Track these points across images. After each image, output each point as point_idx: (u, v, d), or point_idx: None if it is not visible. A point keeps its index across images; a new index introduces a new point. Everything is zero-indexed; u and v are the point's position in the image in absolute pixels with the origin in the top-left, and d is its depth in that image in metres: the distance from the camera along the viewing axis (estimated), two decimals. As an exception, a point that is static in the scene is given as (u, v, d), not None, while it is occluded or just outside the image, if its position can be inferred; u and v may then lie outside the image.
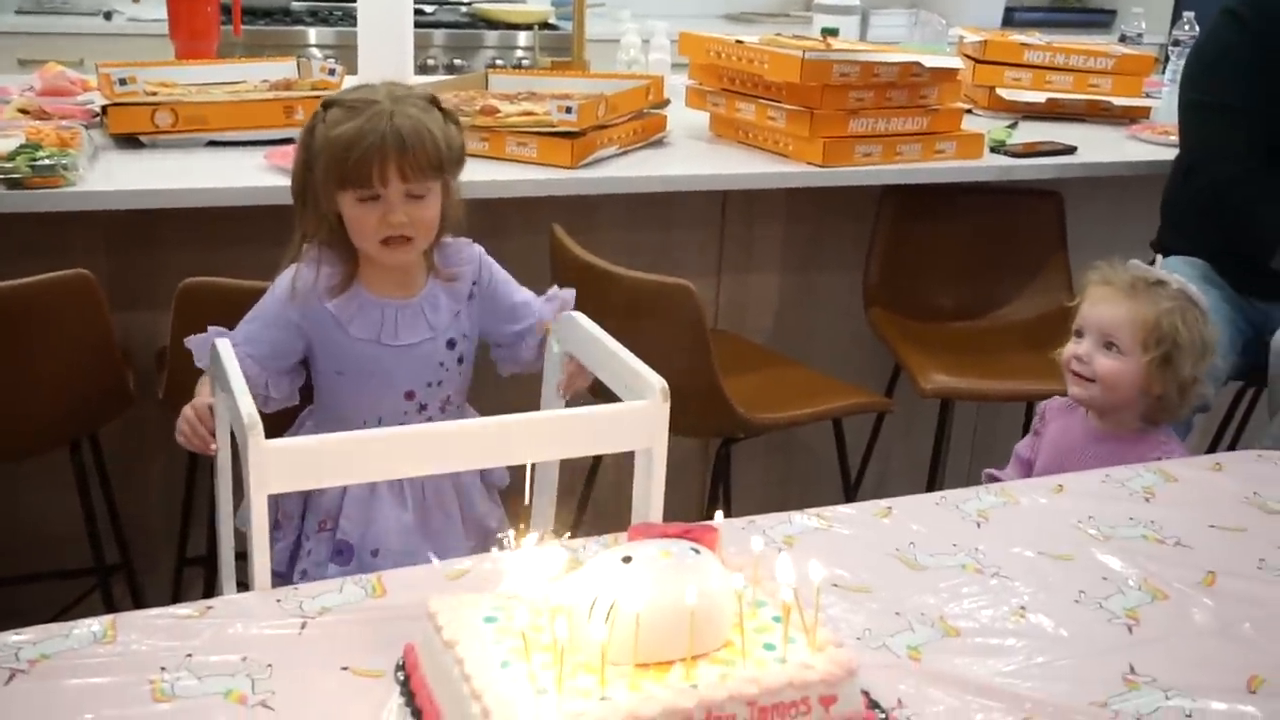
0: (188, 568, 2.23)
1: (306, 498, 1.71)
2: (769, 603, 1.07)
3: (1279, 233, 2.31)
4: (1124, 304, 1.83)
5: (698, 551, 1.04)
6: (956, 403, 2.50)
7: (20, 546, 2.28)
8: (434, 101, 1.64)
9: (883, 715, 1.03)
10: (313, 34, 3.98)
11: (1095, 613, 1.24)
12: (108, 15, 4.21)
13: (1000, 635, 1.19)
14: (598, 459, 2.27)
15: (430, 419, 1.71)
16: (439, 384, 1.72)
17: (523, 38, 4.21)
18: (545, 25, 4.28)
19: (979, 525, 1.42)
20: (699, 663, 0.99)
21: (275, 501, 1.34)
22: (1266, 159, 2.35)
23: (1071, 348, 1.89)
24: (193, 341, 1.63)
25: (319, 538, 1.71)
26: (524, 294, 1.78)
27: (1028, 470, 1.96)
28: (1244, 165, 2.35)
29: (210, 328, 1.63)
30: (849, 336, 2.73)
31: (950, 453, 2.58)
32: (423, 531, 1.69)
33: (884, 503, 1.46)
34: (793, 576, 1.00)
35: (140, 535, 2.30)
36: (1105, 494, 1.52)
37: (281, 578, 1.66)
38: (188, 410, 1.57)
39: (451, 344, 1.72)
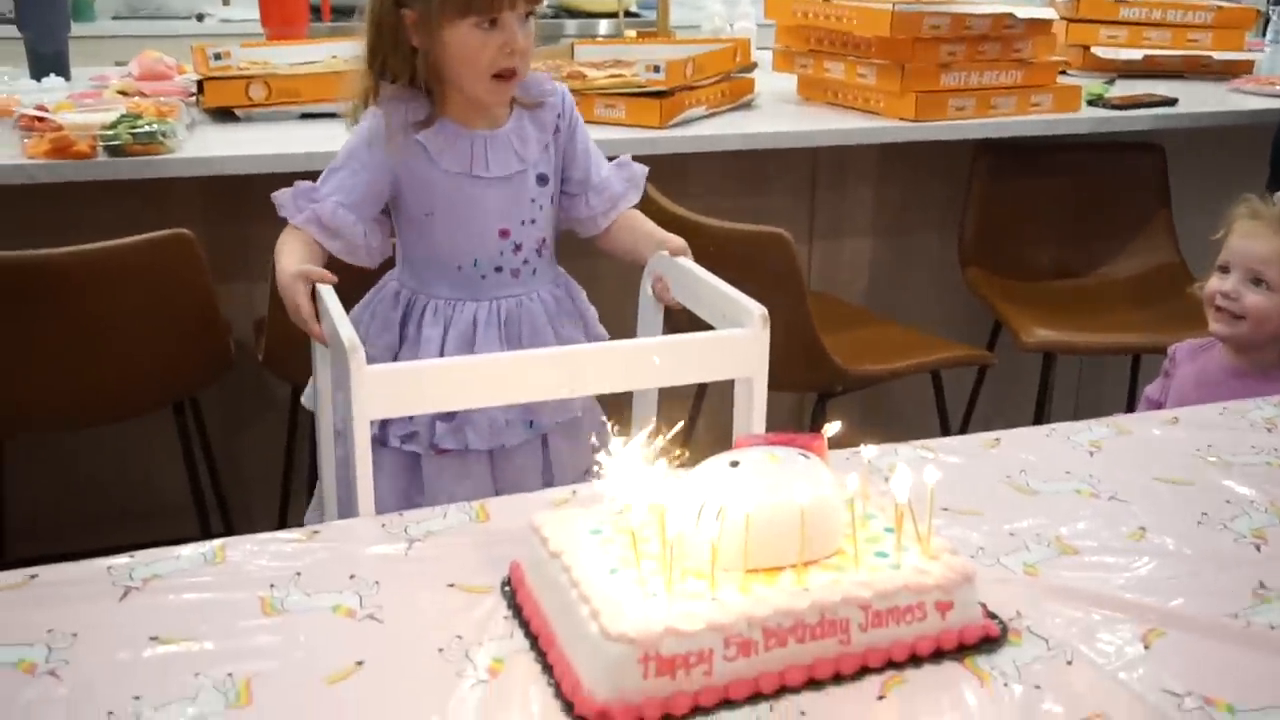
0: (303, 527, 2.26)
1: (400, 350, 1.64)
2: (880, 514, 1.05)
3: None
4: (1274, 239, 1.80)
5: (807, 458, 1.02)
6: (1059, 361, 2.44)
7: (126, 515, 2.33)
8: None
9: (1001, 625, 1.00)
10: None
11: (1220, 533, 1.19)
12: (200, 17, 4.31)
13: (1121, 554, 1.15)
14: (700, 394, 2.25)
15: (526, 260, 1.64)
16: (533, 222, 1.64)
17: (604, 26, 4.22)
18: (628, 14, 4.29)
19: (1091, 454, 1.37)
20: (810, 569, 0.97)
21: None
22: None
23: (1216, 283, 1.85)
24: (281, 197, 1.59)
25: None
26: (596, 150, 1.73)
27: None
28: None
29: (297, 183, 1.60)
30: (945, 297, 2.68)
31: (1053, 414, 2.52)
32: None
33: (992, 434, 1.42)
34: (909, 483, 0.97)
35: (241, 507, 2.33)
36: (1224, 425, 1.46)
37: (376, 444, 1.60)
38: (286, 275, 1.48)
39: (542, 180, 1.65)
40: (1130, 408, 2.00)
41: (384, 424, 1.62)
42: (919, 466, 1.00)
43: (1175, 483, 1.30)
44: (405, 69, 1.58)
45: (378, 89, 1.61)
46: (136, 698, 0.90)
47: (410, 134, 1.58)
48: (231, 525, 2.26)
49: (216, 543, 1.14)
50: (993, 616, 1.01)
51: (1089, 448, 1.39)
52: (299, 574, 1.09)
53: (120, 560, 1.10)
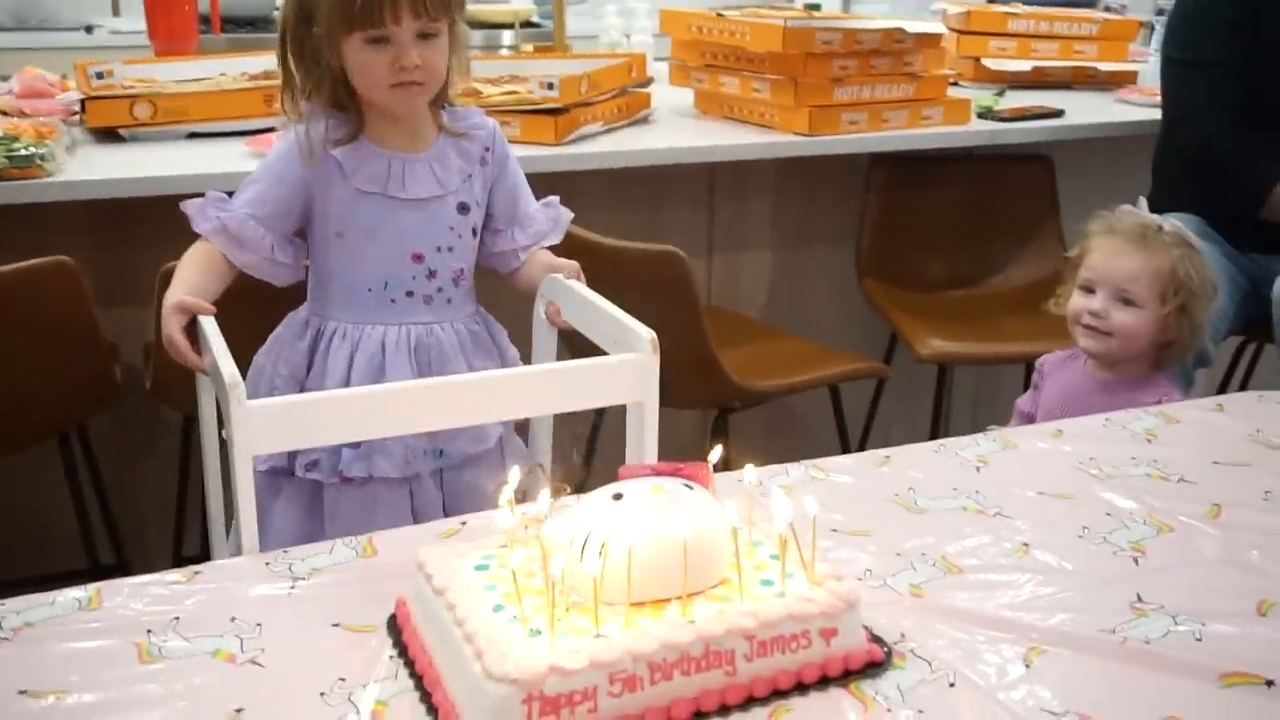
0: (183, 567, 2.21)
1: (305, 379, 1.62)
2: (765, 541, 1.05)
3: (1261, 184, 2.31)
4: (1136, 255, 1.81)
5: (690, 488, 1.02)
6: (956, 370, 2.48)
7: (14, 549, 2.26)
8: None
9: (886, 649, 1.01)
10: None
11: (1100, 547, 1.22)
12: (89, 29, 4.20)
13: (1004, 571, 1.17)
14: (599, 419, 2.25)
15: (440, 289, 1.62)
16: (450, 250, 1.62)
17: (507, 36, 4.20)
18: (528, 24, 4.27)
19: (978, 469, 1.40)
20: (695, 600, 0.97)
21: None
22: (1246, 114, 2.35)
23: (1082, 302, 1.86)
24: (190, 206, 1.56)
25: None
26: (526, 187, 1.72)
27: (1030, 424, 1.93)
28: (1224, 121, 2.35)
29: (209, 192, 1.57)
30: (843, 309, 2.71)
31: (951, 421, 2.57)
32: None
33: (882, 452, 1.44)
34: (789, 511, 0.98)
35: (133, 535, 2.28)
36: (1106, 436, 1.50)
37: (283, 472, 1.59)
38: (166, 305, 1.46)
39: (464, 209, 1.63)
40: (1012, 416, 2.03)
41: (290, 452, 1.59)
42: (807, 489, 1.01)
43: (1058, 497, 1.33)
44: (322, 86, 1.57)
45: (298, 106, 1.59)
46: (2, 757, 0.88)
47: (327, 150, 1.57)
48: (124, 556, 2.20)
49: (92, 587, 1.10)
50: (878, 640, 1.02)
51: (976, 463, 1.42)
52: (178, 618, 1.06)
53: (-10, 608, 1.06)
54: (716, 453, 1.09)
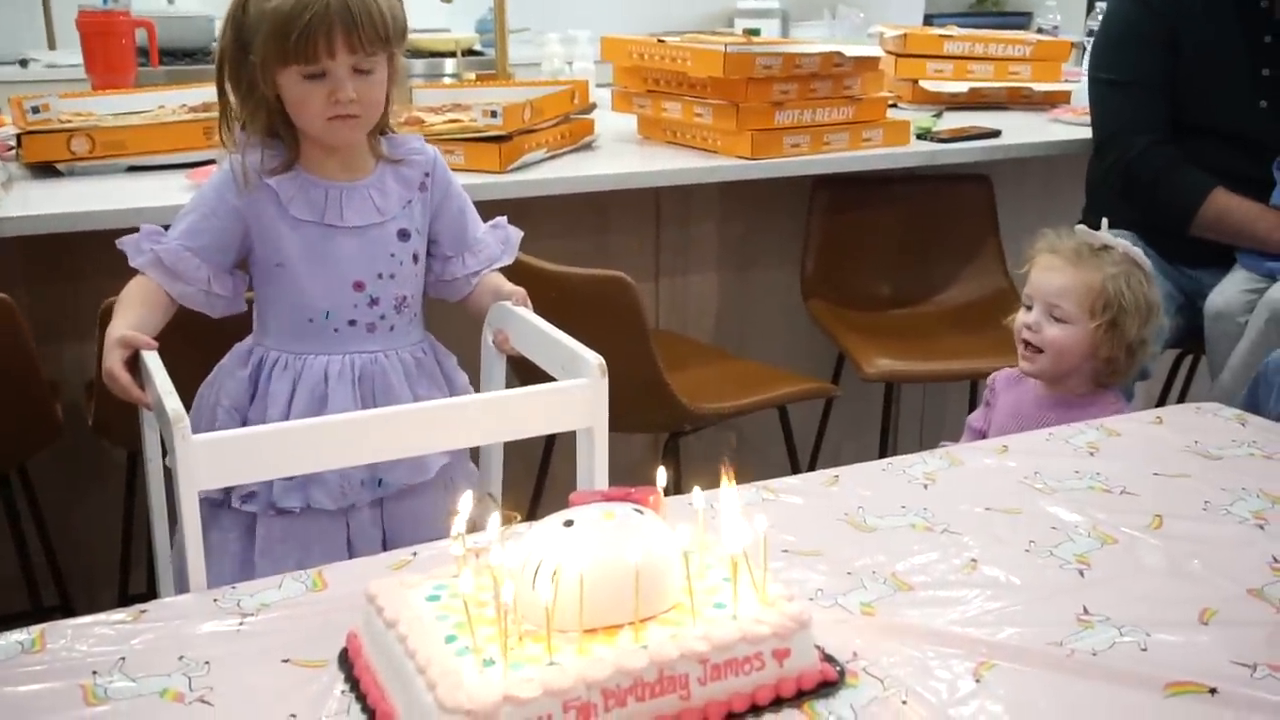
0: (130, 606, 2.18)
1: (248, 409, 1.60)
2: (717, 564, 1.06)
3: (1190, 201, 2.37)
4: (1068, 272, 1.85)
5: (641, 513, 1.02)
6: (903, 388, 2.51)
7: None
8: None
9: (838, 668, 1.02)
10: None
11: (1046, 560, 1.24)
12: (23, 63, 4.15)
13: (953, 587, 1.18)
14: (549, 444, 2.24)
15: (383, 316, 1.61)
16: (391, 277, 1.61)
17: (449, 65, 4.21)
18: (470, 52, 4.28)
19: (926, 487, 1.41)
20: (648, 625, 0.97)
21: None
22: (1172, 131, 2.40)
23: (1021, 317, 1.90)
24: (126, 242, 1.55)
25: None
26: (473, 211, 1.72)
27: (981, 440, 1.95)
28: (1150, 138, 2.41)
29: (143, 226, 1.55)
30: (791, 330, 2.73)
31: (899, 439, 2.59)
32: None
33: (831, 471, 1.45)
34: (740, 533, 0.98)
35: (79, 575, 2.24)
36: (1050, 451, 1.52)
37: (219, 504, 1.57)
38: (108, 341, 1.45)
39: (404, 235, 1.62)
40: (964, 433, 2.05)
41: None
42: (760, 511, 1.01)
43: (1005, 512, 1.34)
44: (258, 115, 1.56)
45: (234, 134, 1.58)
46: (-56, 807, 0.86)
47: (262, 179, 1.55)
48: (68, 597, 2.16)
49: (36, 629, 1.08)
50: (830, 660, 1.02)
51: (924, 480, 1.43)
52: (124, 658, 1.05)
53: (-69, 654, 1.04)
54: (662, 476, 1.09)
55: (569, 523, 0.99)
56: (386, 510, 1.64)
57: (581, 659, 0.92)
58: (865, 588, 1.18)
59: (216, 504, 1.59)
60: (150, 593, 2.01)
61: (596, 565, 0.95)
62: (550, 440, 2.28)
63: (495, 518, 0.98)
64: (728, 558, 1.00)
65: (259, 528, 1.59)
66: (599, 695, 0.90)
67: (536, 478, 2.30)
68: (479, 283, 1.69)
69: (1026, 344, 1.88)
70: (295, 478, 1.56)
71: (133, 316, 1.49)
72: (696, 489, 1.09)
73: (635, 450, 2.60)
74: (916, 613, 1.13)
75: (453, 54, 4.18)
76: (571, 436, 1.40)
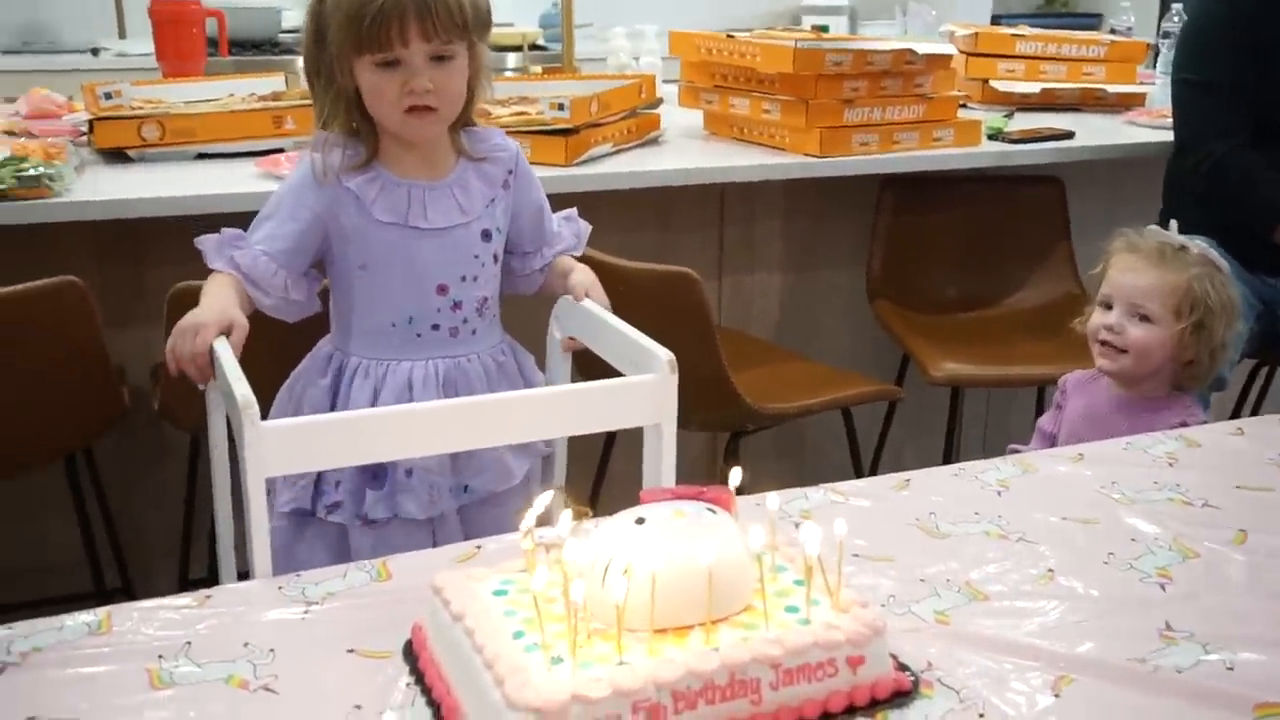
0: (190, 591, 2.19)
1: None
2: (789, 567, 1.04)
3: (1274, 206, 2.30)
4: (1153, 271, 1.81)
5: (714, 512, 1.00)
6: (967, 392, 2.46)
7: (19, 572, 2.24)
8: None
9: (913, 677, 0.99)
10: (299, 64, 3.96)
11: (1126, 573, 1.20)
12: (95, 51, 4.21)
13: (1030, 598, 1.15)
14: (610, 439, 2.22)
15: (466, 320, 1.57)
16: (474, 279, 1.56)
17: (512, 59, 4.20)
18: (535, 46, 4.27)
19: (999, 494, 1.38)
20: (719, 627, 0.95)
21: None
22: (1256, 133, 2.34)
23: (1099, 318, 1.85)
24: (205, 241, 1.51)
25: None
26: (548, 206, 1.68)
27: (1051, 444, 1.91)
28: (1234, 141, 2.35)
29: (224, 230, 1.52)
30: (854, 331, 2.70)
31: (963, 444, 2.55)
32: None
33: (901, 475, 1.42)
34: (816, 537, 0.96)
35: (139, 558, 2.25)
36: (1127, 460, 1.48)
37: (307, 514, 1.56)
38: (183, 322, 1.41)
39: (487, 235, 1.57)
40: (1033, 437, 2.01)
41: (314, 493, 1.56)
42: (829, 514, 0.99)
43: (1082, 522, 1.31)
44: (337, 111, 1.51)
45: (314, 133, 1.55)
46: (10, 787, 0.86)
47: (342, 181, 1.52)
48: (129, 580, 2.18)
49: (102, 611, 1.08)
50: (904, 669, 1.00)
51: (997, 487, 1.40)
52: (189, 643, 1.04)
53: (-2, 632, 1.05)
54: (736, 475, 1.07)
55: (640, 520, 0.97)
56: (471, 518, 1.60)
57: (652, 659, 0.90)
58: (939, 595, 1.15)
59: (303, 515, 1.58)
60: (211, 578, 2.02)
61: (669, 564, 0.93)
62: (610, 437, 2.26)
63: (566, 514, 0.96)
64: (801, 560, 0.98)
65: (351, 539, 1.56)
66: (669, 697, 0.88)
67: (595, 474, 2.28)
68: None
69: (1104, 344, 1.83)
70: (384, 488, 1.54)
71: (230, 297, 1.46)
72: (772, 493, 1.07)
73: (690, 450, 2.58)
74: (992, 623, 1.10)
75: (518, 48, 4.17)
76: (631, 433, 1.38)
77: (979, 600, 1.14)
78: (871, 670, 0.96)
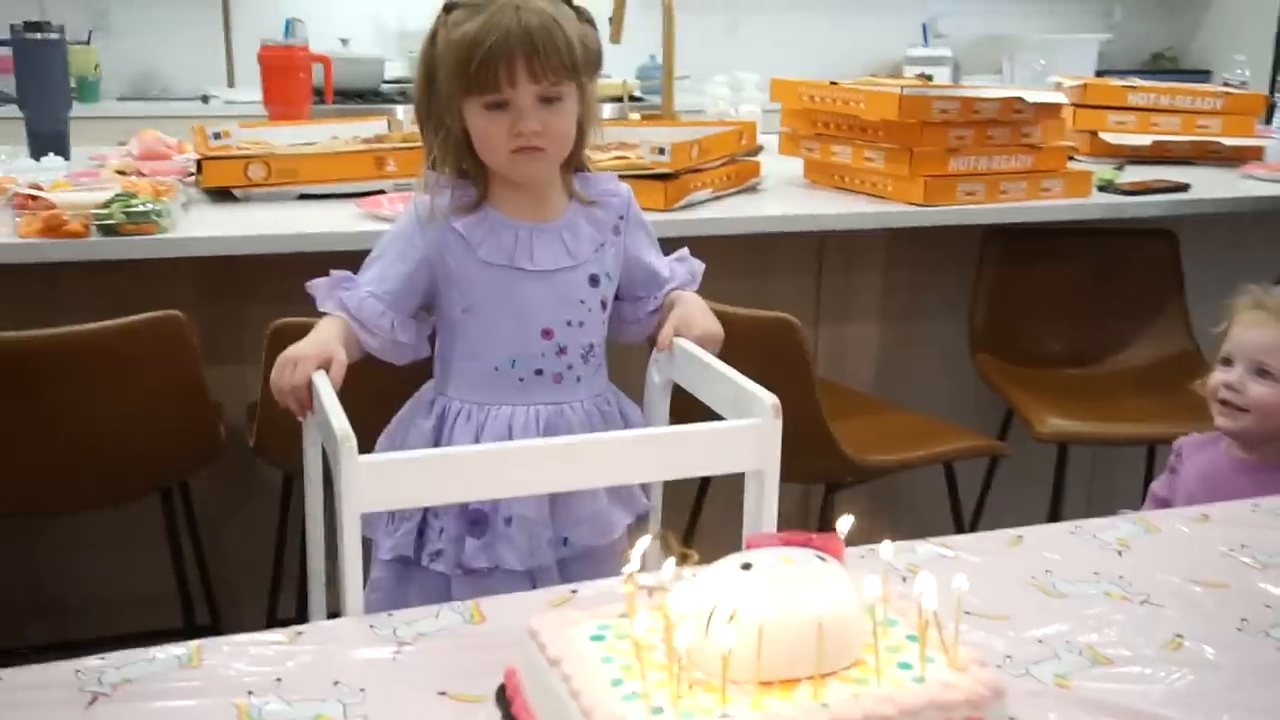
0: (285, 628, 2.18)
1: None
2: (901, 620, 0.98)
3: None
4: (1277, 328, 1.73)
5: (823, 560, 0.95)
6: (1071, 451, 2.38)
7: (111, 603, 2.25)
8: None
9: (1034, 743, 0.93)
10: (400, 111, 4.02)
11: (1260, 640, 1.12)
12: (205, 99, 4.32)
13: (1156, 664, 1.08)
14: (704, 485, 2.18)
15: (570, 366, 1.54)
16: (580, 325, 1.54)
17: (608, 110, 4.22)
18: (632, 98, 4.29)
19: (1120, 554, 1.31)
20: (828, 681, 0.90)
21: None
22: None
23: (1220, 375, 1.78)
24: (316, 285, 1.51)
25: (448, 511, 1.54)
26: (658, 250, 1.66)
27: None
28: None
29: (334, 272, 1.52)
30: (952, 385, 2.63)
31: (1066, 505, 2.45)
32: (558, 497, 1.52)
33: (1012, 531, 1.35)
34: (933, 589, 0.90)
35: (227, 594, 2.26)
36: (1257, 523, 1.40)
37: (410, 563, 1.54)
38: (283, 355, 1.41)
39: (594, 281, 1.55)
40: (1145, 501, 1.93)
41: (418, 542, 1.54)
42: (938, 570, 0.94)
43: (1210, 585, 1.23)
44: (447, 152, 1.51)
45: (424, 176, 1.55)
46: (96, 821, 0.83)
47: (449, 222, 1.51)
48: (218, 616, 2.18)
49: (194, 644, 1.07)
50: (1025, 733, 0.94)
51: (1117, 546, 1.33)
52: (279, 679, 1.02)
53: (90, 663, 1.03)
54: (846, 522, 1.02)
55: (747, 565, 0.93)
56: (572, 573, 1.56)
57: (756, 713, 0.85)
58: (1059, 658, 1.08)
59: (406, 564, 1.56)
60: (299, 617, 2.01)
61: (777, 613, 0.88)
62: (703, 486, 2.21)
63: (670, 561, 0.92)
64: (914, 614, 0.93)
65: (453, 590, 1.53)
66: (775, 754, 0.84)
67: (688, 525, 2.23)
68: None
69: (1225, 403, 1.75)
70: (484, 537, 1.52)
71: (334, 334, 1.46)
72: (886, 542, 1.02)
73: (788, 504, 2.52)
74: (1118, 688, 1.03)
75: (619, 99, 4.19)
76: (724, 482, 1.34)
77: (1102, 664, 1.08)
78: (991, 734, 0.90)
